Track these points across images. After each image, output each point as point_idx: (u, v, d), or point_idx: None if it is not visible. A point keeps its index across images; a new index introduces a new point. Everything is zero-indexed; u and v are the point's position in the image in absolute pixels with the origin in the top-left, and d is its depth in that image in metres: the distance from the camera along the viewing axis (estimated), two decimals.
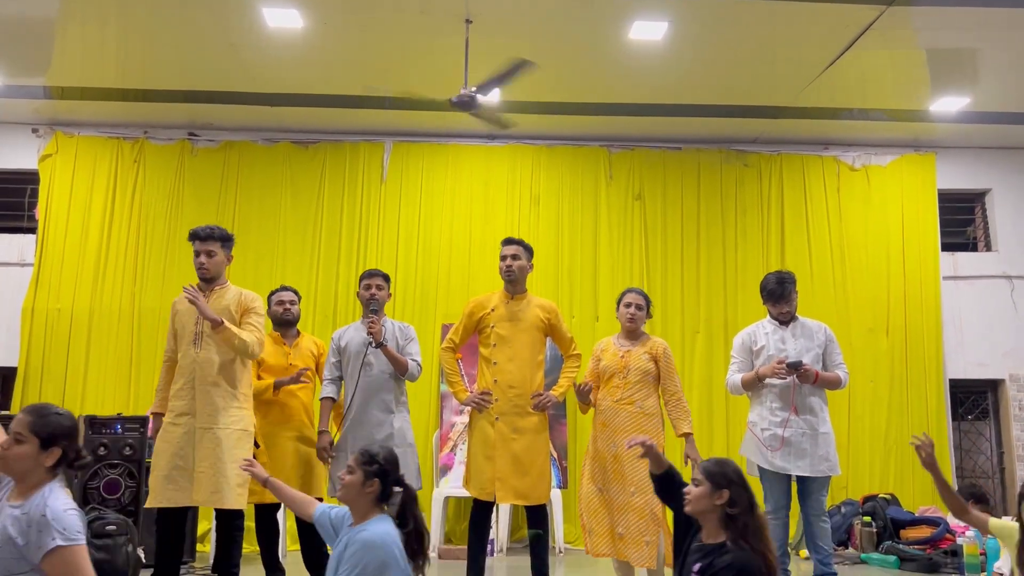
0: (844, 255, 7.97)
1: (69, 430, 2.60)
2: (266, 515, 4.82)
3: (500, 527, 6.75)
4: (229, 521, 4.51)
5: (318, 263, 7.72)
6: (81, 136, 7.83)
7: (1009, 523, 3.31)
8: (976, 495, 7.07)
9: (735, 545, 2.68)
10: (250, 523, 6.25)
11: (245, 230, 7.55)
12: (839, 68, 6.71)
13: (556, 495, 6.86)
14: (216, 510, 4.53)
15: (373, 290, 4.77)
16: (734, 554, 2.66)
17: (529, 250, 4.77)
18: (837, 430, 4.99)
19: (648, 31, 6.13)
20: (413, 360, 4.72)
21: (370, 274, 4.87)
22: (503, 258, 4.71)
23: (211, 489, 4.14)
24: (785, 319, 4.87)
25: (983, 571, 5.66)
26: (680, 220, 7.99)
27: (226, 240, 4.48)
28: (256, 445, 4.52)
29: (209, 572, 5.24)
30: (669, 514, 4.55)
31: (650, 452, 3.27)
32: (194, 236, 4.45)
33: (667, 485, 3.21)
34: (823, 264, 7.94)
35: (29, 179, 7.84)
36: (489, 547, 5.65)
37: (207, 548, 6.57)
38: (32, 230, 7.73)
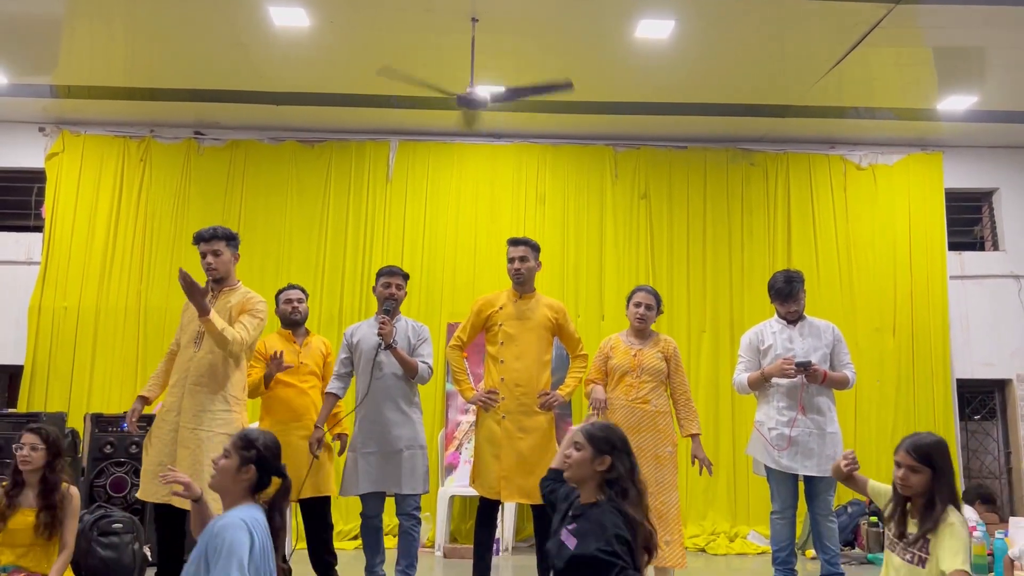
0: (851, 254, 7.95)
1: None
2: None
3: (505, 526, 6.74)
4: None
5: (324, 262, 7.72)
6: (87, 135, 7.84)
7: (883, 486, 3.40)
8: (983, 495, 7.08)
9: (611, 503, 2.60)
10: None
11: (251, 229, 7.55)
12: (845, 67, 6.68)
13: None
14: None
15: (392, 289, 4.70)
16: (609, 510, 2.57)
17: (536, 249, 4.75)
18: (843, 430, 4.96)
19: (654, 29, 6.11)
20: (423, 362, 4.64)
21: (390, 272, 4.78)
22: (511, 260, 4.69)
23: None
24: (793, 318, 4.85)
25: (991, 571, 5.63)
26: (686, 219, 7.97)
27: (230, 238, 4.46)
28: None
29: None
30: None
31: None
32: (198, 238, 4.41)
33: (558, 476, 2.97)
34: (829, 263, 7.91)
35: (36, 178, 7.86)
36: (495, 546, 5.64)
37: None
38: (39, 229, 7.75)
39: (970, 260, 8.13)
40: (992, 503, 7.11)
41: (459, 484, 6.75)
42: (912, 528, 3.11)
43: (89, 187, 7.73)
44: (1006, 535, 5.09)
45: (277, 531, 2.82)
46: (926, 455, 3.05)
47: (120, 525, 5.13)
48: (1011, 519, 5.30)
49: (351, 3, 5.85)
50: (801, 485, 4.75)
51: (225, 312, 4.32)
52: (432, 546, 6.82)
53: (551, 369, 4.73)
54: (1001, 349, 7.95)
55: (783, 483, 4.70)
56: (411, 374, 4.60)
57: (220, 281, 4.42)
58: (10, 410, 7.08)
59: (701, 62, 6.65)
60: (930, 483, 3.04)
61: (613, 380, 4.68)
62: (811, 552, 6.62)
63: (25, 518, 3.83)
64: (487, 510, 4.56)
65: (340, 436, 5.01)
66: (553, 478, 2.91)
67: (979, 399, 8.19)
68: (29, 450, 3.86)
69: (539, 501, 4.50)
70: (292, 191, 7.85)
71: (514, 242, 4.73)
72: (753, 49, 6.45)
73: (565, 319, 4.75)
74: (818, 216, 8.02)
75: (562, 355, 5.65)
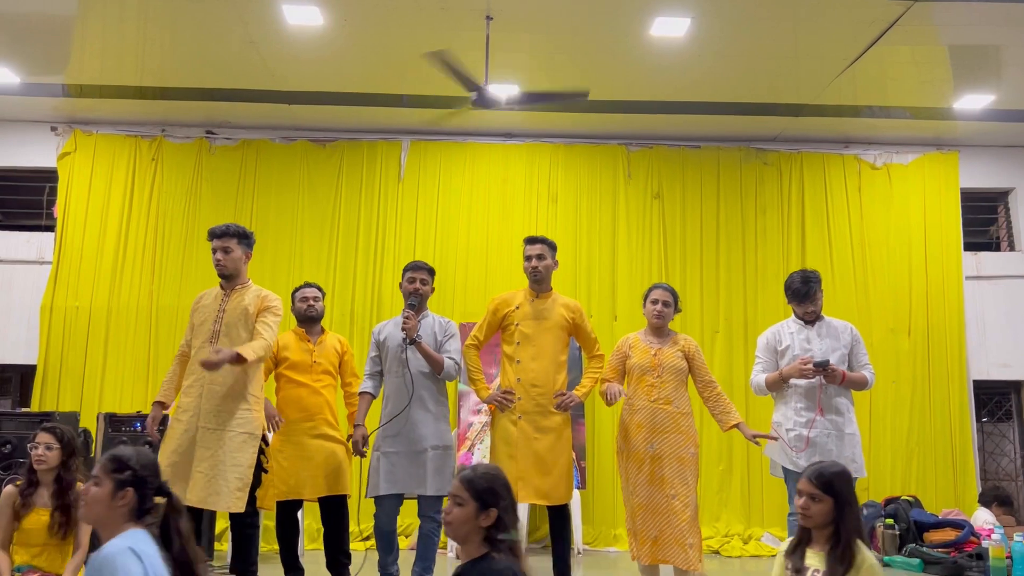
0: (865, 255, 7.89)
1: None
2: (287, 513, 4.78)
3: (518, 527, 6.70)
4: (241, 520, 4.43)
5: (335, 262, 7.70)
6: (99, 134, 7.83)
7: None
8: (1000, 498, 7.01)
9: (502, 556, 2.38)
10: (268, 522, 6.27)
11: (262, 228, 7.53)
12: (861, 65, 6.63)
13: (575, 496, 6.81)
14: None
15: (417, 284, 4.65)
16: (502, 564, 2.36)
17: (553, 247, 4.71)
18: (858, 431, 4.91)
19: (670, 27, 6.06)
20: (450, 358, 4.58)
21: (415, 267, 4.73)
22: (528, 258, 4.65)
23: (208, 491, 4.08)
24: (811, 319, 4.80)
25: (1009, 574, 5.58)
26: (699, 219, 7.92)
27: (243, 236, 4.45)
28: (265, 445, 4.48)
29: (227, 571, 5.21)
30: None
31: None
32: (211, 235, 4.45)
33: None
34: (844, 264, 7.85)
35: (48, 177, 7.86)
36: None
37: (225, 547, 6.55)
38: (50, 228, 7.75)
39: (986, 260, 8.07)
40: (1009, 505, 7.04)
41: None
42: (814, 562, 2.89)
43: (101, 187, 7.73)
44: None
45: (188, 560, 2.45)
46: (827, 483, 2.86)
47: None
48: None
49: (365, 1, 5.82)
50: None
51: (240, 311, 4.30)
52: (445, 548, 6.79)
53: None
54: (1017, 350, 7.88)
55: None
56: (437, 370, 4.54)
57: (230, 278, 4.41)
58: (23, 409, 7.07)
59: (716, 60, 6.61)
60: (832, 513, 2.85)
61: (632, 380, 4.62)
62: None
63: (40, 518, 3.81)
64: None
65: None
66: None
67: (995, 400, 8.12)
68: (44, 449, 3.84)
69: (555, 502, 4.49)
70: (304, 191, 7.83)
71: (531, 240, 4.70)
72: (769, 47, 6.40)
73: (582, 319, 4.71)
74: (832, 216, 7.96)
75: (572, 355, 5.60)
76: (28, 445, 3.95)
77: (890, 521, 6.65)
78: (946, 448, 7.50)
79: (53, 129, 7.84)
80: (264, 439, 4.43)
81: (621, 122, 7.77)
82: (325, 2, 5.82)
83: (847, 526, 2.83)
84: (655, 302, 4.66)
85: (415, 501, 4.57)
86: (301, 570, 4.82)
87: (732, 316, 7.73)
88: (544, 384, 4.50)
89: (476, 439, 7.06)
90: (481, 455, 6.91)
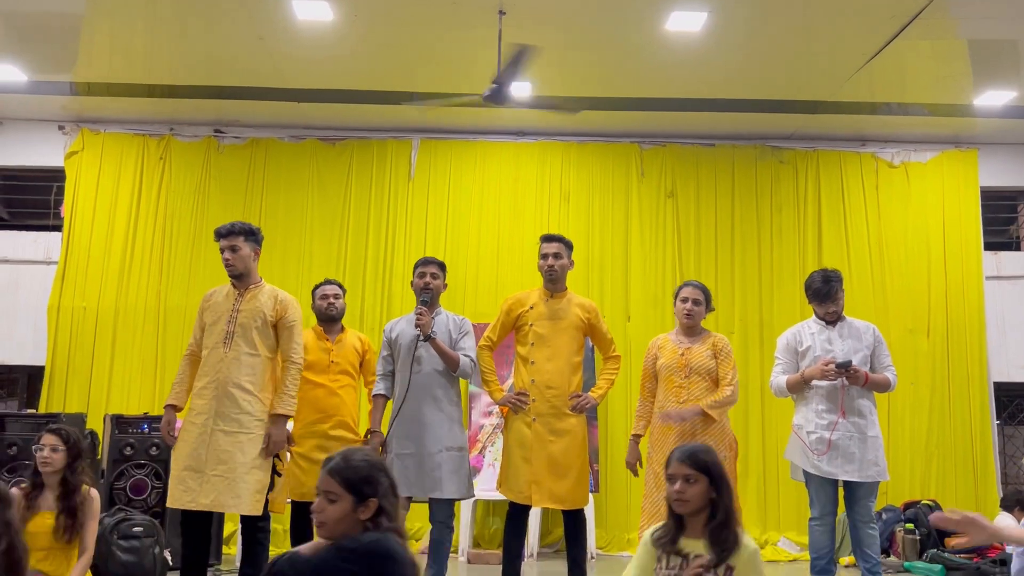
0: (883, 254, 7.75)
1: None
2: (301, 514, 4.67)
3: (530, 531, 6.60)
4: (252, 523, 4.34)
5: (345, 261, 7.62)
6: (107, 133, 7.77)
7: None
8: (1022, 501, 6.86)
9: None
10: (277, 525, 6.18)
11: (271, 227, 7.43)
12: (878, 61, 6.51)
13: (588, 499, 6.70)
14: None
15: (427, 279, 4.56)
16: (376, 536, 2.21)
17: (569, 246, 4.63)
18: None
19: (686, 22, 5.94)
20: (466, 356, 4.48)
21: (424, 262, 4.66)
22: (544, 256, 4.56)
23: (228, 494, 4.01)
24: (832, 319, 4.69)
25: None
26: (714, 218, 7.80)
27: (249, 233, 4.36)
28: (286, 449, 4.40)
29: (236, 575, 5.13)
30: None
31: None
32: (217, 234, 4.37)
33: None
34: (861, 263, 7.72)
35: (55, 176, 7.80)
36: None
37: (233, 550, 6.47)
38: (58, 228, 7.68)
39: (1006, 260, 7.93)
40: None
41: (482, 488, 6.60)
42: (692, 547, 2.68)
43: (108, 186, 7.66)
44: None
45: (16, 558, 2.33)
46: (702, 463, 2.70)
47: (140, 529, 5.03)
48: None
49: None
50: (840, 491, 4.58)
51: (256, 313, 4.23)
52: (456, 551, 6.69)
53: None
54: None
55: (823, 488, 4.53)
56: (452, 368, 4.45)
57: (241, 277, 4.33)
58: (29, 411, 7.01)
59: (732, 56, 6.49)
60: (709, 494, 2.68)
61: (661, 381, 4.50)
62: (843, 560, 6.44)
63: (45, 521, 3.73)
64: (517, 515, 4.42)
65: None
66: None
67: (1016, 402, 7.97)
68: (49, 451, 3.76)
69: (571, 506, 4.39)
70: (313, 189, 7.75)
71: (548, 238, 4.61)
72: (786, 42, 6.29)
73: (598, 319, 4.62)
74: (849, 215, 7.83)
75: (586, 356, 5.50)
76: (33, 447, 3.88)
77: (910, 526, 6.54)
78: (966, 451, 7.37)
79: (61, 128, 7.79)
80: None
81: (634, 120, 7.66)
82: None
83: (725, 504, 2.68)
84: (685, 300, 4.53)
85: (425, 504, 4.48)
86: None
87: (747, 316, 7.61)
88: (559, 385, 4.40)
89: (487, 441, 6.96)
90: (492, 458, 6.82)
